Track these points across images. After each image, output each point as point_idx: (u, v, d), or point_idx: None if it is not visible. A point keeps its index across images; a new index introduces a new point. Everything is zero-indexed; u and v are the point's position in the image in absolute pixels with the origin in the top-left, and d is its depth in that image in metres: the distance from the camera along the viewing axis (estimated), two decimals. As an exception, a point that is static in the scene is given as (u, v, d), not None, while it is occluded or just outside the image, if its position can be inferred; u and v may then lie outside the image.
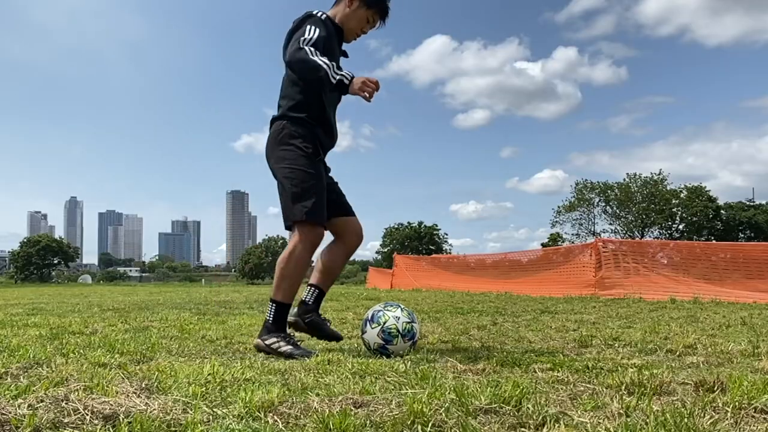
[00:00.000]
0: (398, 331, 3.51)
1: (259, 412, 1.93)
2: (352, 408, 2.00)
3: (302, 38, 3.64)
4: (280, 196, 3.80)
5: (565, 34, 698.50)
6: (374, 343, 3.53)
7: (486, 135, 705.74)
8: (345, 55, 4.09)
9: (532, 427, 1.79)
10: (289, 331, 3.76)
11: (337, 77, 3.50)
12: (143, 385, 2.33)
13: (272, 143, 3.84)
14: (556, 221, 68.71)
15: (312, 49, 3.58)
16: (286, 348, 3.57)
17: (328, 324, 3.96)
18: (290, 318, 3.84)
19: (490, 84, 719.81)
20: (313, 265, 4.06)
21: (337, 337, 3.99)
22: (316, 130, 3.83)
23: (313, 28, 3.71)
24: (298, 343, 3.65)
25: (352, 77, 3.50)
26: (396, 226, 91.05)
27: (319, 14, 3.87)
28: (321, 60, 3.52)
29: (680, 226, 66.08)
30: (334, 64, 3.55)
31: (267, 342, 3.63)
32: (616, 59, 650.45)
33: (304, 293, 3.91)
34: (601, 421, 1.83)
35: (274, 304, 3.72)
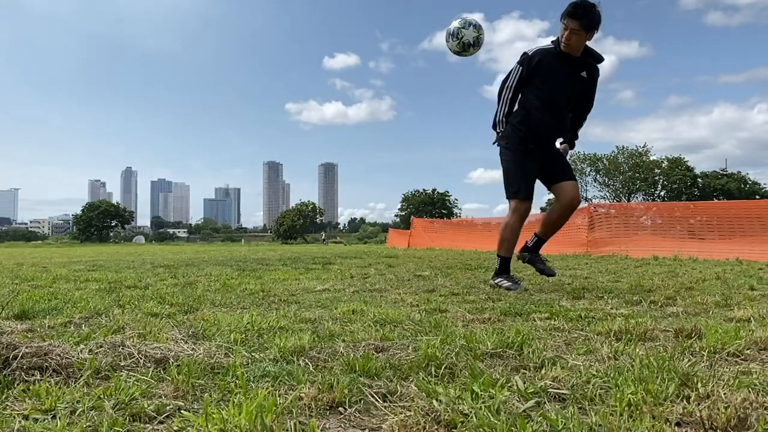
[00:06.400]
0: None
1: (292, 356, 1.94)
2: (374, 352, 2.01)
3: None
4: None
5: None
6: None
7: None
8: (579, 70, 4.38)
9: (532, 369, 1.78)
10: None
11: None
12: (190, 333, 2.34)
13: None
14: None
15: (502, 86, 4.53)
16: (506, 284, 4.30)
17: (546, 263, 4.62)
18: (516, 254, 4.65)
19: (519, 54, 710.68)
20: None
21: (550, 273, 4.59)
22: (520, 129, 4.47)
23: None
24: (518, 281, 4.38)
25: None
26: (413, 193, 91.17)
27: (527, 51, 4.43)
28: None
29: (662, 193, 65.74)
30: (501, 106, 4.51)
31: (495, 281, 4.42)
32: (643, 37, 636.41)
33: (529, 239, 4.69)
34: (592, 363, 1.82)
35: (499, 258, 4.51)
